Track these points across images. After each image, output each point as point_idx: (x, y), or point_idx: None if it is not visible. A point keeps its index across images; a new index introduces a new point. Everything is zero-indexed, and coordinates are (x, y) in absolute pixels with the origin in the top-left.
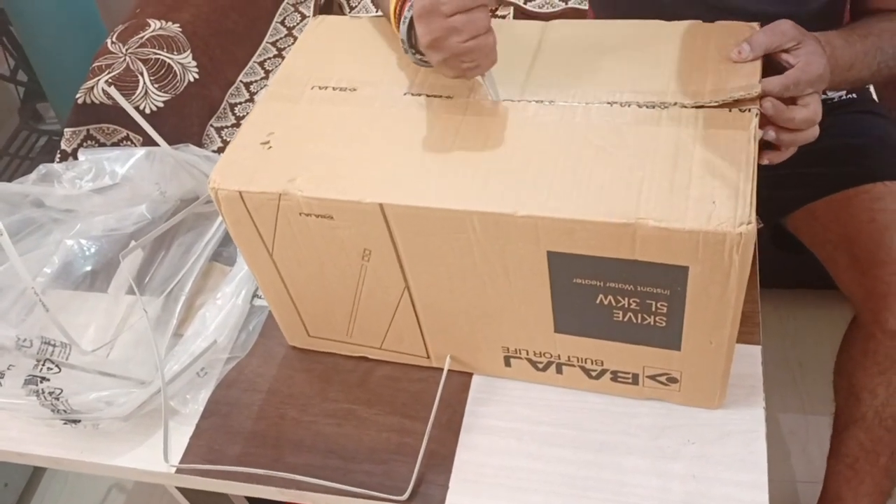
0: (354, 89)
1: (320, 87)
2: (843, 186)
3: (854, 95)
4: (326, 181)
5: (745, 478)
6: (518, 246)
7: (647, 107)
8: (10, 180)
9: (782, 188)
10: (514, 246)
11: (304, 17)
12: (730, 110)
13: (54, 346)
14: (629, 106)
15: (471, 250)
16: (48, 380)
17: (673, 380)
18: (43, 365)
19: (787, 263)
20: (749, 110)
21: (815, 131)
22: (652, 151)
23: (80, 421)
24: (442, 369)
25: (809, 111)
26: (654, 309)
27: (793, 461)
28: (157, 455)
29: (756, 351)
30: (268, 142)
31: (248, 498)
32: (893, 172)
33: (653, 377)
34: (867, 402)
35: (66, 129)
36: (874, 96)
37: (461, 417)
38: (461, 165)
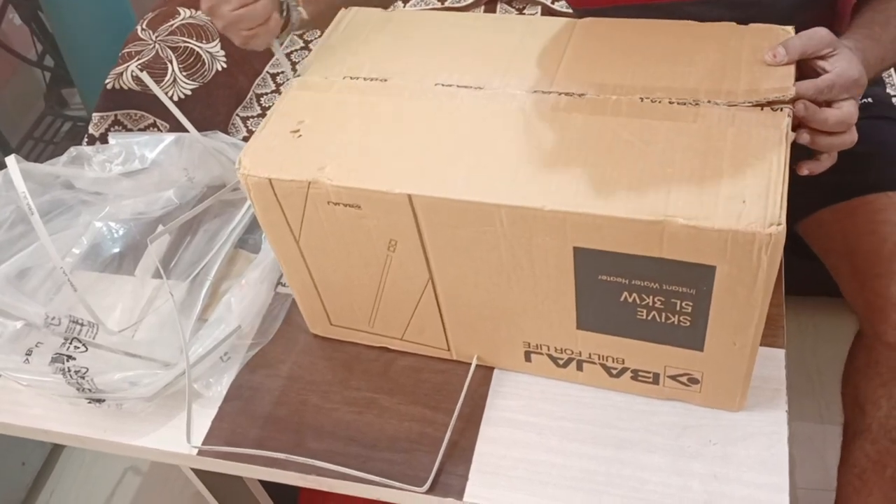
0: (385, 80)
1: (351, 77)
2: (848, 196)
3: (870, 100)
4: (355, 171)
5: (767, 479)
6: (545, 240)
7: (679, 103)
8: None
9: (792, 194)
10: (540, 240)
11: None
12: (762, 109)
13: (82, 325)
14: (660, 102)
15: (497, 243)
16: (74, 358)
17: (694, 380)
18: (70, 343)
19: (807, 270)
20: (781, 109)
21: (852, 136)
22: (682, 148)
23: (104, 400)
24: (461, 361)
25: (843, 113)
26: (678, 308)
27: (809, 468)
28: (180, 436)
29: (780, 354)
30: (297, 130)
31: (262, 482)
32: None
33: (674, 377)
34: (871, 414)
35: (94, 114)
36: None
37: (482, 410)
38: (490, 157)
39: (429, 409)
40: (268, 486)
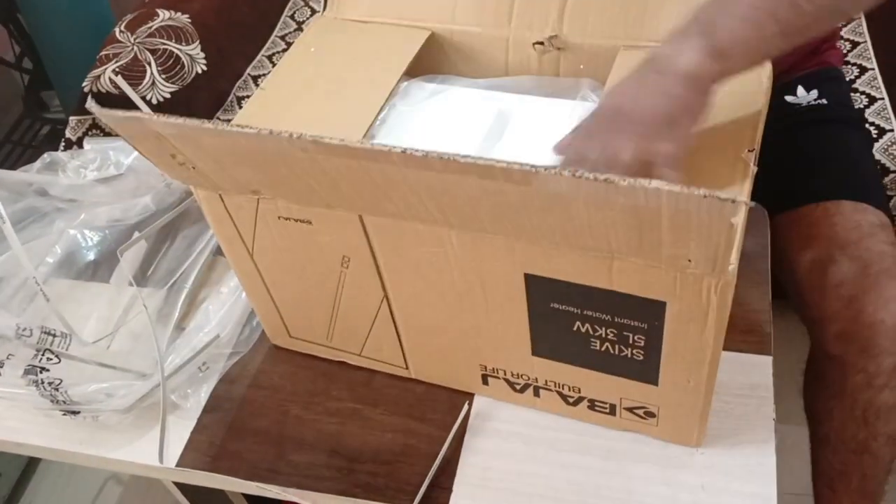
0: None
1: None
2: (784, 208)
3: (825, 101)
4: None
5: (755, 489)
6: (495, 265)
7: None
8: (12, 168)
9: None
10: (490, 265)
11: (313, 11)
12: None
13: (54, 335)
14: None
15: (448, 265)
16: (48, 370)
17: (650, 414)
18: (43, 355)
19: None
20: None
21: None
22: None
23: (79, 412)
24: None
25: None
26: (631, 341)
27: (796, 474)
28: (157, 449)
29: (767, 361)
30: None
31: (245, 495)
32: (829, 193)
33: (630, 409)
34: (827, 424)
35: (71, 118)
36: (862, 95)
37: (466, 420)
38: None
39: (412, 419)
40: (250, 498)
